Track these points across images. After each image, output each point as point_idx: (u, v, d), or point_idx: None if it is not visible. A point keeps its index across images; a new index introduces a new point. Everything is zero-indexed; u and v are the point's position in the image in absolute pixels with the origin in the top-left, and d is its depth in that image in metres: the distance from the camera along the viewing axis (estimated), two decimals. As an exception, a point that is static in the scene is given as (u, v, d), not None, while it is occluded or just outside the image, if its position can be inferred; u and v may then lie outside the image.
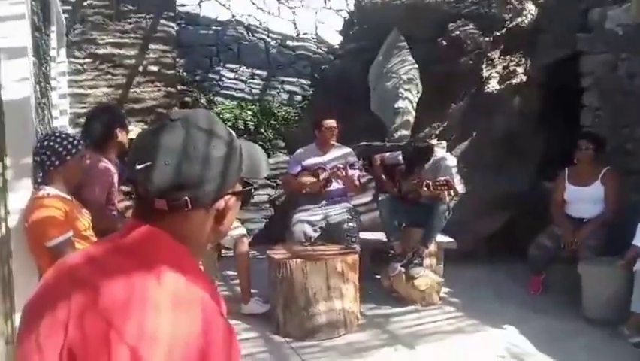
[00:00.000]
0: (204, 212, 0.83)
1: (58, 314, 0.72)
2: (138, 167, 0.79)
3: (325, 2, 7.84)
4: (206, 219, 0.84)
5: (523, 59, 5.23)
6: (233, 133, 0.90)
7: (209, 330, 0.72)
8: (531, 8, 5.27)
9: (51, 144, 2.32)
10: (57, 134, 2.44)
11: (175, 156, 0.78)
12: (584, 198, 3.89)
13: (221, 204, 0.84)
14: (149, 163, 0.78)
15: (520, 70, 5.19)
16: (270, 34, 7.36)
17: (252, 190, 0.94)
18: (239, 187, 0.88)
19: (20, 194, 2.24)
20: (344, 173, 4.03)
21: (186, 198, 0.79)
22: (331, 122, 4.18)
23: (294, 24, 7.61)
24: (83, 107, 5.01)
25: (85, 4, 5.13)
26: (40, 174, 2.40)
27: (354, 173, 4.15)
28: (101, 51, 5.23)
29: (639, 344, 3.09)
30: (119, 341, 0.67)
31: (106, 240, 0.85)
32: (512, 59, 5.29)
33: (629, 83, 4.06)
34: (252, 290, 3.78)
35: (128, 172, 0.86)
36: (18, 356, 0.75)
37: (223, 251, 4.70)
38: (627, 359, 2.99)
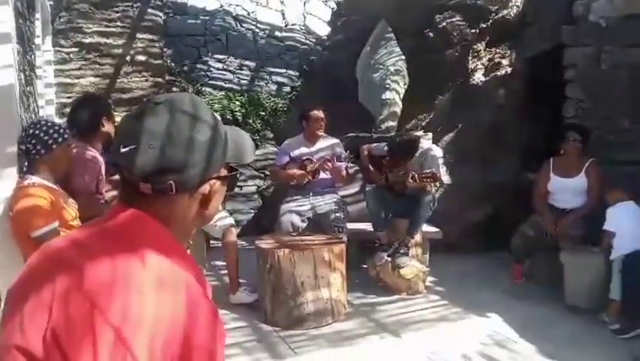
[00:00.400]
0: (189, 196, 0.83)
1: (43, 296, 0.72)
2: (122, 150, 0.79)
3: (313, -7, 7.79)
4: (191, 203, 0.83)
5: (508, 51, 5.25)
6: (219, 117, 0.90)
7: (193, 311, 0.72)
8: (517, 0, 5.29)
9: (37, 132, 2.28)
10: (43, 122, 2.39)
11: (159, 140, 0.78)
12: (568, 190, 3.93)
13: (206, 188, 0.84)
14: (133, 146, 0.78)
15: (505, 62, 5.21)
16: (259, 25, 7.31)
17: (238, 175, 0.94)
18: (224, 172, 0.87)
19: (5, 183, 2.20)
20: (331, 165, 4.03)
21: (171, 181, 0.78)
22: (318, 113, 4.17)
23: (283, 15, 7.56)
24: (69, 97, 4.93)
25: (70, -8, 5.03)
26: (26, 163, 2.36)
27: (342, 164, 4.15)
28: (88, 40, 5.14)
29: (618, 331, 3.15)
30: (103, 322, 0.67)
31: (91, 224, 0.85)
32: (498, 50, 5.31)
33: (611, 75, 4.09)
34: (241, 280, 3.78)
35: (112, 156, 0.85)
36: (1, 340, 0.74)
37: (212, 242, 4.69)
38: (607, 345, 3.04)
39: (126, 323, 0.67)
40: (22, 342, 0.70)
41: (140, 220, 0.79)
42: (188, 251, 0.89)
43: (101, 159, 2.84)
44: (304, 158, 4.17)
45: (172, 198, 0.81)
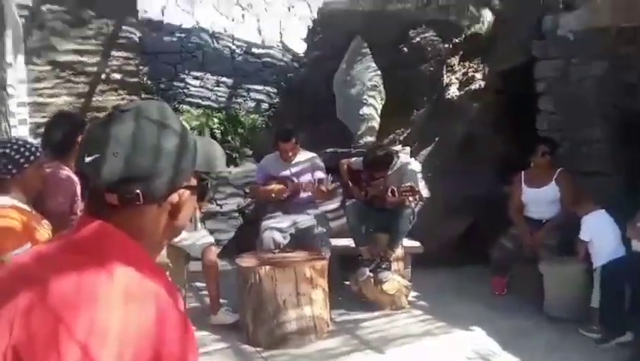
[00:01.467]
0: (157, 206, 0.79)
1: (4, 313, 0.68)
2: (87, 159, 0.76)
3: (289, 10, 7.81)
4: (160, 213, 0.80)
5: (481, 65, 5.32)
6: (187, 125, 0.86)
7: (163, 323, 0.69)
8: (488, 15, 5.38)
9: (7, 151, 2.19)
10: (14, 140, 2.32)
11: (124, 148, 0.75)
12: (541, 200, 3.96)
13: (175, 197, 0.80)
14: (97, 155, 0.75)
15: (478, 76, 5.28)
16: (235, 42, 7.28)
17: (208, 185, 0.90)
18: (194, 182, 0.84)
19: (-26, 206, 2.10)
20: (314, 186, 3.98)
21: (138, 191, 0.75)
22: (287, 145, 4.09)
23: (259, 32, 7.55)
24: (43, 117, 4.77)
25: (43, 9, 4.92)
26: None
27: (321, 174, 4.10)
28: (62, 58, 5.01)
29: (599, 340, 3.16)
30: (68, 337, 0.64)
31: (57, 238, 0.82)
32: (471, 65, 5.38)
33: (579, 87, 4.17)
34: (221, 300, 3.68)
35: (77, 165, 0.81)
36: None
37: (192, 263, 4.57)
38: (589, 354, 3.04)
39: (93, 338, 0.64)
40: None
41: (106, 232, 0.76)
42: (167, 273, 0.84)
43: (76, 178, 2.74)
44: (285, 177, 4.13)
45: (140, 209, 0.77)
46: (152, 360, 0.67)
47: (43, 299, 0.67)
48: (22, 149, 2.22)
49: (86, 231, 0.76)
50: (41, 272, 0.71)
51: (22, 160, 2.20)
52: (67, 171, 2.71)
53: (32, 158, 2.24)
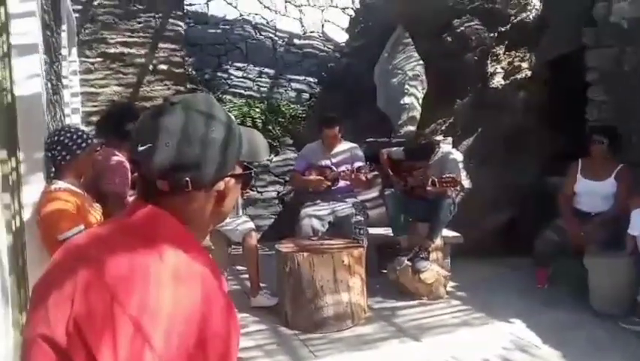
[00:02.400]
0: (205, 193, 0.84)
1: (65, 289, 0.74)
2: (140, 148, 0.81)
3: (331, 0, 7.82)
4: (206, 200, 0.85)
5: (528, 55, 5.19)
6: (232, 117, 0.91)
7: (208, 303, 0.74)
8: (536, 3, 5.24)
9: (62, 138, 2.34)
10: (67, 129, 2.46)
11: (175, 138, 0.80)
12: (596, 193, 3.82)
13: (221, 185, 0.85)
14: (150, 145, 0.80)
15: (525, 65, 5.16)
16: (277, 33, 7.36)
17: (252, 174, 0.96)
18: (239, 170, 0.89)
19: (33, 188, 2.26)
20: (353, 176, 4.02)
21: (187, 179, 0.80)
22: (330, 132, 4.17)
23: (301, 22, 7.60)
24: (94, 106, 5.04)
25: (95, 3, 5.15)
26: (53, 169, 2.42)
27: (360, 164, 4.13)
28: (112, 50, 5.25)
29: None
30: (122, 313, 0.69)
31: (111, 220, 0.88)
32: (517, 54, 5.25)
33: (634, 76, 4.01)
34: (261, 285, 3.79)
35: (130, 154, 0.88)
36: (26, 331, 0.77)
37: (233, 247, 4.72)
38: (632, 350, 2.96)
39: (144, 314, 0.69)
40: (48, 332, 0.72)
41: (157, 216, 0.82)
42: (210, 255, 0.91)
43: (127, 165, 2.89)
44: (325, 166, 4.19)
45: (188, 195, 0.82)
46: (198, 339, 0.71)
47: (100, 277, 0.72)
48: (74, 136, 2.36)
49: (139, 215, 0.82)
50: (97, 253, 0.76)
51: (74, 147, 2.34)
52: (119, 157, 2.86)
53: (84, 145, 2.37)
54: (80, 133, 2.40)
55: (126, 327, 0.68)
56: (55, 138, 2.35)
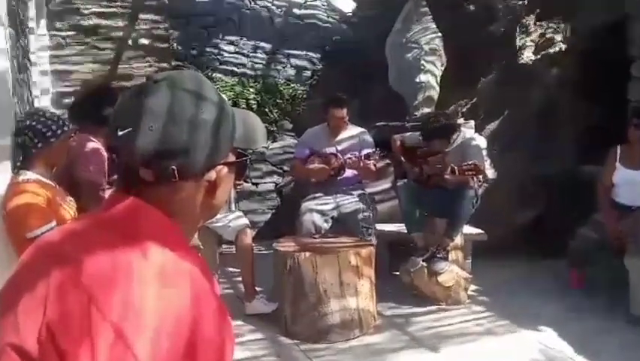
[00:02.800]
0: (194, 184, 0.84)
1: (37, 292, 0.74)
2: (120, 133, 0.80)
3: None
4: (196, 191, 0.85)
5: (562, 25, 5.17)
6: (225, 97, 0.91)
7: (198, 305, 0.74)
8: (572, -33, 5.20)
9: (33, 123, 2.32)
10: (40, 113, 2.44)
11: (160, 121, 0.79)
12: (636, 183, 3.82)
13: (212, 175, 0.85)
14: (131, 129, 0.79)
15: (558, 38, 5.14)
16: (275, 2, 7.34)
17: (247, 162, 0.95)
18: (232, 158, 0.89)
19: (-2, 178, 2.27)
20: (360, 163, 4.03)
21: (173, 167, 0.80)
22: (339, 113, 4.17)
23: (302, -11, 7.58)
24: (66, 86, 5.05)
25: (66, -31, 5.15)
26: (21, 158, 2.42)
27: (369, 151, 4.14)
28: (86, 22, 5.25)
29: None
30: (101, 318, 0.69)
31: (87, 215, 0.88)
32: (550, 25, 5.24)
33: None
34: (257, 289, 3.81)
35: (109, 139, 0.87)
36: None
37: (224, 246, 4.74)
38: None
39: (126, 318, 0.69)
40: (17, 340, 0.72)
41: (140, 209, 0.81)
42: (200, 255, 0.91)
43: (104, 153, 2.90)
44: (329, 153, 4.19)
45: (175, 186, 0.82)
46: (188, 344, 0.70)
47: (76, 278, 0.72)
48: (49, 122, 2.34)
49: (119, 208, 0.81)
50: (73, 250, 0.75)
51: (48, 133, 2.32)
52: (95, 143, 2.87)
53: (59, 132, 2.35)
54: (55, 118, 2.38)
55: (106, 334, 0.68)
56: (27, 122, 2.33)
